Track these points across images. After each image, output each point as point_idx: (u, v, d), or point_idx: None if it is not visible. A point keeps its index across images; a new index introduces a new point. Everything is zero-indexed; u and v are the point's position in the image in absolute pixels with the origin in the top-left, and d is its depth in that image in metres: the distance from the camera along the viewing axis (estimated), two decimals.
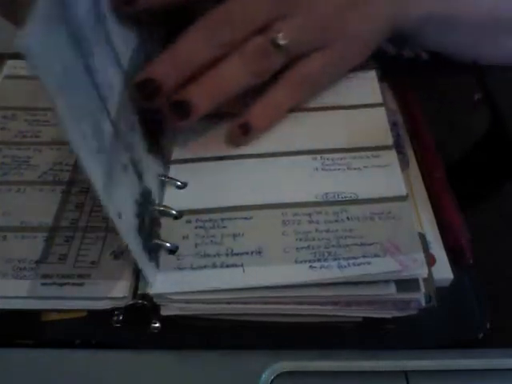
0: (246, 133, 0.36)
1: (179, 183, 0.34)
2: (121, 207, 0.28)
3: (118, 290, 0.29)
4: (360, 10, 0.37)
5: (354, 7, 0.37)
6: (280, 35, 0.34)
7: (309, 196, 0.33)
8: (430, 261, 0.31)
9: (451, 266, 0.31)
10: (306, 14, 0.35)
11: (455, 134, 0.39)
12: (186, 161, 0.36)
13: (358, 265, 0.29)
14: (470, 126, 0.38)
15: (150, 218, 0.32)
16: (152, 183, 0.33)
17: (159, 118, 0.34)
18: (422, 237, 0.31)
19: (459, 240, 0.32)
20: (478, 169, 0.36)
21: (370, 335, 0.30)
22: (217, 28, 0.34)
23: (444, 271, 0.31)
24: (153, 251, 0.30)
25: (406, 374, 0.29)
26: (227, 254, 0.30)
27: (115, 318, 0.30)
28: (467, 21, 0.40)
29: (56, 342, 0.30)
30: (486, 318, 0.30)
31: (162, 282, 0.29)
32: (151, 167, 0.34)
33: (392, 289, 0.28)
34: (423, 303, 0.29)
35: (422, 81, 0.41)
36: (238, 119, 0.36)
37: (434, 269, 0.30)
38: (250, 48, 0.34)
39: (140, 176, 0.32)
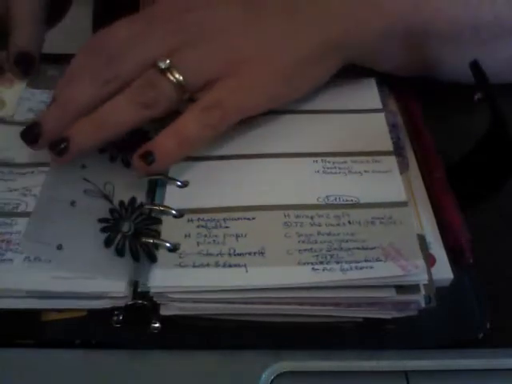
0: (149, 163, 0.33)
1: (179, 183, 0.34)
2: (63, 238, 0.31)
3: (118, 289, 0.29)
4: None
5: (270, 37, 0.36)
6: (166, 63, 0.34)
7: (311, 198, 0.33)
8: (430, 261, 0.31)
9: (451, 266, 0.31)
10: (202, 47, 0.35)
11: (455, 134, 0.39)
12: (186, 159, 0.36)
13: (361, 268, 0.29)
14: (470, 126, 0.38)
15: (133, 222, 0.32)
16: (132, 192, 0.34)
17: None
18: (422, 238, 0.31)
19: (459, 240, 0.32)
20: (478, 169, 0.36)
21: (370, 335, 0.30)
22: (100, 66, 0.35)
23: (444, 271, 0.31)
24: (145, 249, 0.31)
25: (406, 373, 0.29)
26: (230, 254, 0.30)
27: (115, 318, 0.30)
28: (439, 31, 0.38)
29: (56, 342, 0.30)
30: (486, 317, 0.30)
31: (163, 278, 0.30)
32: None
33: (392, 291, 0.29)
34: (423, 304, 0.29)
35: (422, 81, 0.41)
36: (140, 149, 0.34)
37: (433, 269, 0.30)
38: (136, 82, 0.34)
39: (108, 197, 0.34)
